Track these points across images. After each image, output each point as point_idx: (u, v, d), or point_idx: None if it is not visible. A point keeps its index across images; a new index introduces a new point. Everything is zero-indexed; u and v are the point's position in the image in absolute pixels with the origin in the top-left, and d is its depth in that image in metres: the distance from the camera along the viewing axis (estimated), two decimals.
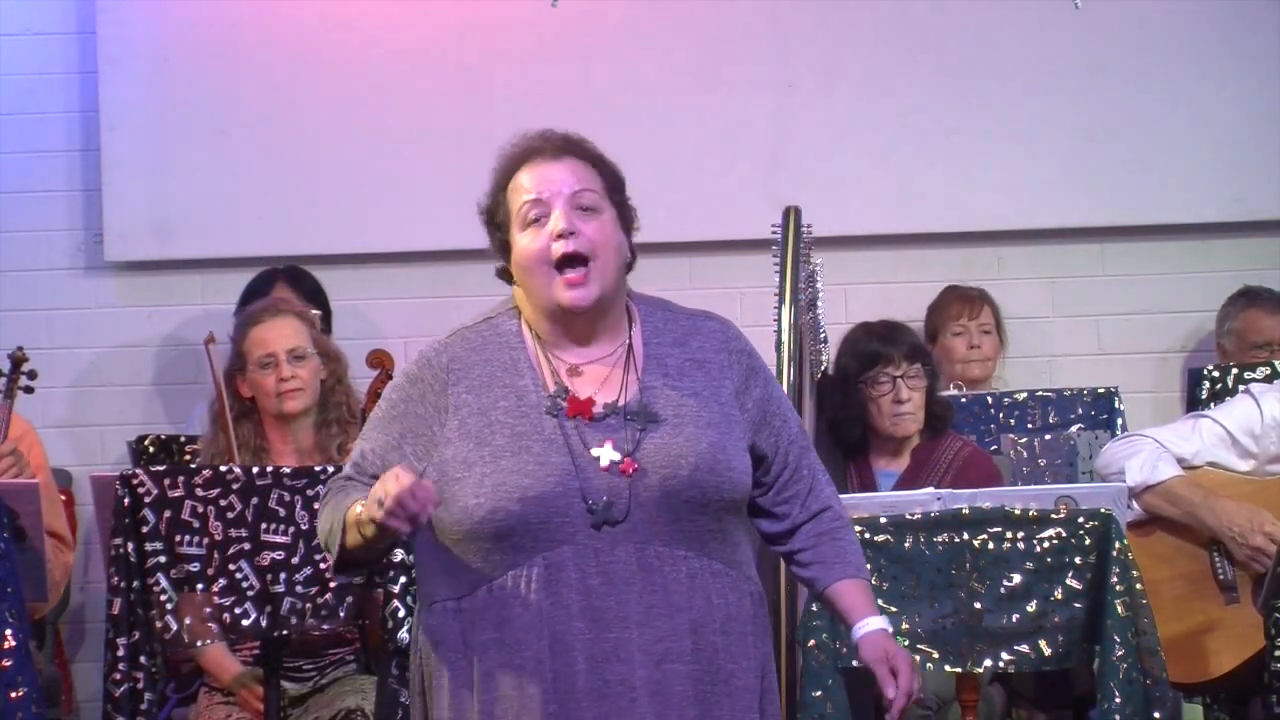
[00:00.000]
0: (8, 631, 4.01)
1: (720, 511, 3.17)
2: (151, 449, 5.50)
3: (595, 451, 3.12)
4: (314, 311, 5.13)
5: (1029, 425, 5.43)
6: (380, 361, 5.23)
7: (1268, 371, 5.03)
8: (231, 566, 4.10)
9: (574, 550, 3.09)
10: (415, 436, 3.17)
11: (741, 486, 3.20)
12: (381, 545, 3.10)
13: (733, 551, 3.20)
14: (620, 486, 3.11)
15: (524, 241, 3.17)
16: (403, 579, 4.14)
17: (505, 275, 3.26)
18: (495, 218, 3.22)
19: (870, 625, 3.23)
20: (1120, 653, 4.00)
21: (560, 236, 3.13)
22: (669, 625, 3.11)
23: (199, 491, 4.11)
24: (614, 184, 3.23)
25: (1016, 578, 4.07)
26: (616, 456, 3.12)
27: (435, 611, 3.18)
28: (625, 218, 3.23)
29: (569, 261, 3.14)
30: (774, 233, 4.71)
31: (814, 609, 4.02)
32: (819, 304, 4.76)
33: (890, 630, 3.25)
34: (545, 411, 3.14)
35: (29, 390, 4.68)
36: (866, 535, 4.06)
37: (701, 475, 3.14)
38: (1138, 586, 4.05)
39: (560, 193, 3.16)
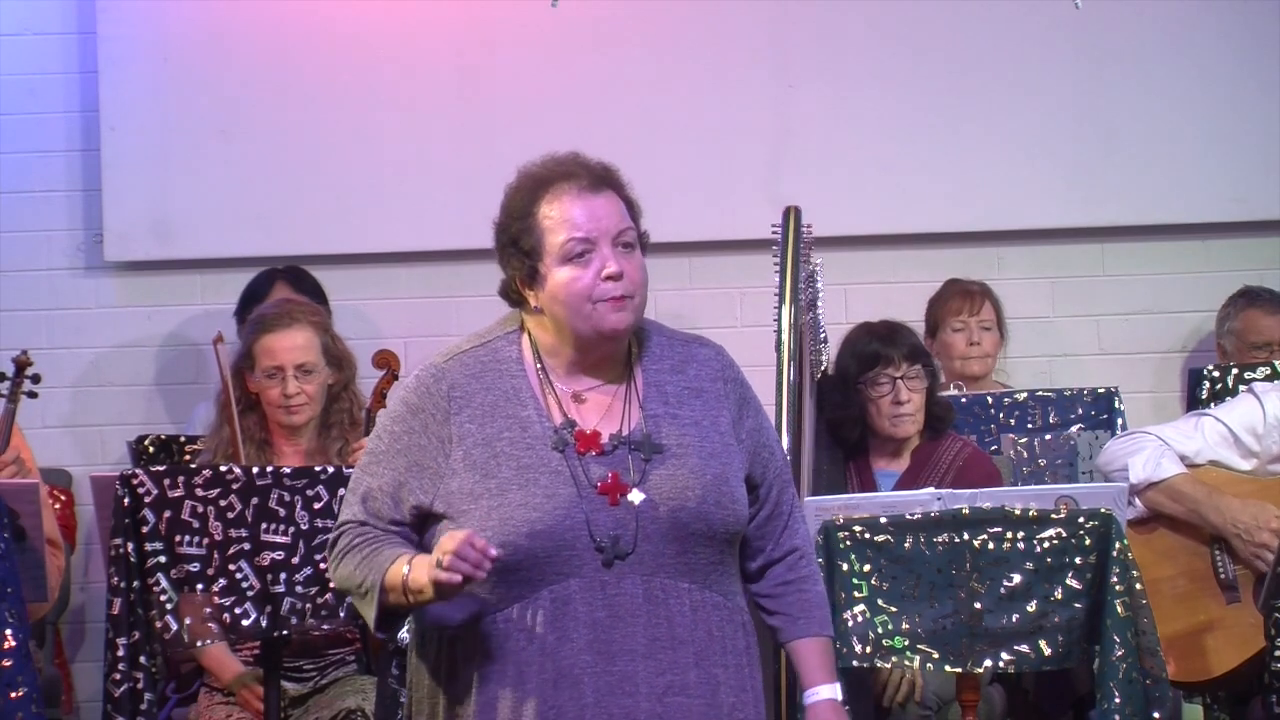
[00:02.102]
0: (8, 631, 4.00)
1: (724, 543, 3.18)
2: (151, 449, 5.48)
3: (604, 485, 3.11)
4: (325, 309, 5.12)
5: (1029, 425, 5.41)
6: (386, 361, 5.22)
7: (1268, 371, 5.02)
8: (231, 566, 4.10)
9: (581, 584, 3.09)
10: (420, 469, 3.15)
11: (744, 518, 3.20)
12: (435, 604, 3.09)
13: (730, 583, 3.21)
14: (627, 518, 3.11)
15: (564, 276, 3.13)
16: None
17: (512, 293, 3.22)
18: (522, 244, 3.17)
19: (820, 694, 3.24)
20: (1120, 653, 4.00)
21: (610, 278, 3.13)
22: (672, 658, 3.10)
23: (199, 491, 4.10)
24: (635, 213, 3.23)
25: (1016, 578, 4.06)
26: (636, 497, 3.11)
27: (431, 640, 3.17)
28: (643, 245, 3.23)
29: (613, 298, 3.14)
30: (774, 233, 4.70)
31: None
32: (819, 304, 4.76)
33: (840, 699, 3.24)
34: (551, 446, 3.13)
35: (33, 395, 4.66)
36: (866, 535, 4.06)
37: (708, 507, 3.14)
38: (1138, 586, 4.05)
39: (607, 231, 3.15)
